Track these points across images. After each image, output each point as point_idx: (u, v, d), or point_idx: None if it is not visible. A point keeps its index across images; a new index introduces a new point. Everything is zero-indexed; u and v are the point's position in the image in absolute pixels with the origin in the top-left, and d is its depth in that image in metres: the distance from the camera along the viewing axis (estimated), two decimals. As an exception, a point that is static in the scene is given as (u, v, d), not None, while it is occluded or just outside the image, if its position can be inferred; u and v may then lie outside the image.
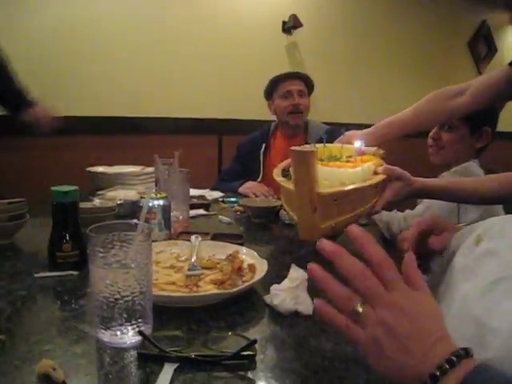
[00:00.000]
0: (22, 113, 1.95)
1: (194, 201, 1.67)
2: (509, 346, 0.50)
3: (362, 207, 1.06)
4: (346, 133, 1.40)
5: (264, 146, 2.38)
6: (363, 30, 3.76)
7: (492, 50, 4.83)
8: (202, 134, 3.06)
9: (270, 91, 2.39)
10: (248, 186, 2.09)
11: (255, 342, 0.62)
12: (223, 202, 1.83)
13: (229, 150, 2.75)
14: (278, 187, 1.84)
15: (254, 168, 2.33)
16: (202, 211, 1.61)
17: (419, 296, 0.52)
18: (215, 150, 3.20)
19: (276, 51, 3.33)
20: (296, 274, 0.79)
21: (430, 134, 1.69)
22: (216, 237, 1.18)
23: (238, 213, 1.63)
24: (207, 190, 2.02)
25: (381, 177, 1.08)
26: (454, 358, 0.46)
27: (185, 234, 1.21)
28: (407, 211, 1.50)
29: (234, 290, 0.79)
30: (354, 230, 0.53)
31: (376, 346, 0.49)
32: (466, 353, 0.46)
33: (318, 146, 1.23)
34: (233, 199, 1.82)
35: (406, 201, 1.13)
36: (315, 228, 0.95)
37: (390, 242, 1.33)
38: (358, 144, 1.19)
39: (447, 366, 0.45)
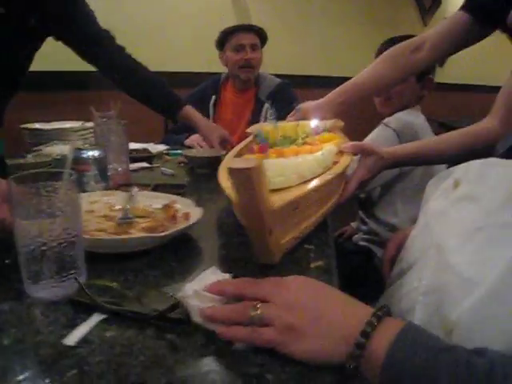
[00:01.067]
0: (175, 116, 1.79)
1: (135, 154, 1.62)
2: (493, 295, 0.49)
3: (330, 201, 0.93)
4: (300, 106, 1.32)
5: (214, 98, 2.32)
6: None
7: (436, 2, 4.87)
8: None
9: (222, 42, 2.30)
10: (194, 139, 2.04)
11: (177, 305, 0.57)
12: (167, 154, 1.79)
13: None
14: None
15: None
16: (144, 164, 1.57)
17: (312, 282, 0.55)
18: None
19: (221, 2, 3.21)
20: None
21: None
22: (157, 188, 1.16)
23: (182, 164, 1.61)
24: (151, 143, 1.96)
25: (347, 159, 0.97)
26: (380, 313, 0.47)
27: (125, 186, 1.18)
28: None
29: (165, 233, 0.77)
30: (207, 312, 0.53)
31: (293, 332, 0.48)
32: (388, 310, 0.48)
33: (267, 128, 1.12)
34: (178, 151, 1.79)
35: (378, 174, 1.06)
36: (275, 250, 0.73)
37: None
38: (314, 123, 1.08)
39: (375, 322, 0.46)
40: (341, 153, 1.01)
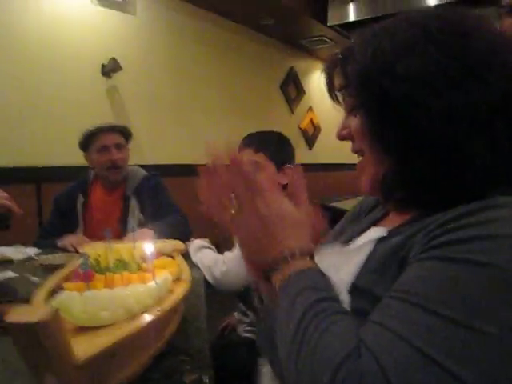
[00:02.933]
0: None
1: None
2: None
3: (160, 341, 0.82)
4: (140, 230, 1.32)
5: (82, 199, 2.22)
6: (185, 74, 3.89)
7: (300, 92, 5.44)
8: (17, 183, 2.77)
9: (86, 144, 2.21)
10: (67, 240, 1.93)
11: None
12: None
13: (50, 201, 2.54)
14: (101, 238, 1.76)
15: (74, 222, 2.16)
16: (10, 273, 1.44)
17: (285, 205, 0.65)
18: (34, 200, 2.93)
19: (96, 94, 3.23)
20: None
21: None
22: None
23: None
24: (19, 247, 1.82)
25: (183, 288, 0.91)
26: (288, 256, 0.61)
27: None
28: (226, 253, 1.55)
29: None
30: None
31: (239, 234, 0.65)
32: (300, 254, 0.61)
33: (99, 249, 1.04)
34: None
35: None
36: None
37: (212, 287, 1.35)
38: (149, 249, 0.91)
39: (285, 259, 0.61)
40: (178, 280, 0.95)
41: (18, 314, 0.49)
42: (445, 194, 0.61)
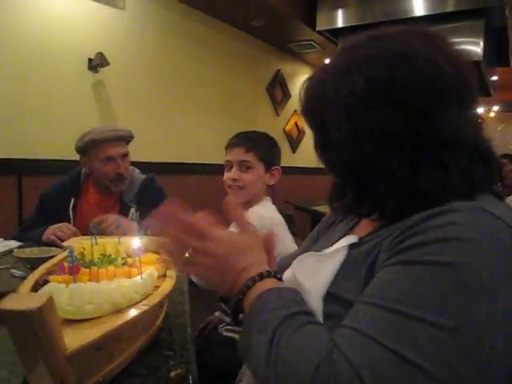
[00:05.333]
0: None
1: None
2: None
3: (144, 336, 0.82)
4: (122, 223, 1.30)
5: (73, 200, 2.05)
6: (172, 72, 3.88)
7: (286, 95, 5.46)
8: (-3, 175, 2.74)
9: (86, 149, 2.00)
10: (50, 232, 1.80)
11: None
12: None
13: (30, 193, 2.50)
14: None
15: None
16: (-11, 266, 1.43)
17: (232, 237, 0.70)
18: (14, 192, 2.88)
19: (82, 88, 3.20)
20: None
21: (230, 175, 1.66)
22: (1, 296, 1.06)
23: (28, 266, 1.37)
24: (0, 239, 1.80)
25: (169, 284, 0.89)
26: (250, 283, 0.65)
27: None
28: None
29: None
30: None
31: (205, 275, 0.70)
32: (260, 278, 0.65)
33: (84, 243, 1.04)
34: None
35: None
36: None
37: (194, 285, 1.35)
38: (136, 244, 0.93)
39: (248, 286, 0.65)
40: (163, 276, 0.95)
41: (12, 302, 0.50)
42: (400, 203, 0.66)
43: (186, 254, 0.69)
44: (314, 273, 0.70)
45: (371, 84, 0.64)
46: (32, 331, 0.49)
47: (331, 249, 0.74)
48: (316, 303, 0.64)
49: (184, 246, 0.69)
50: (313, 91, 0.73)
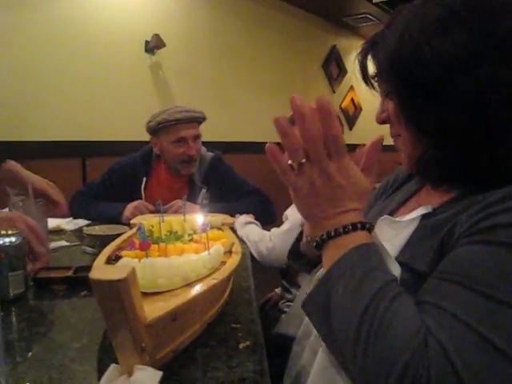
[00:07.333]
0: None
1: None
2: None
3: (213, 309, 0.84)
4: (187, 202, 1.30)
5: (145, 180, 2.07)
6: (228, 51, 3.89)
7: (342, 71, 5.33)
8: (63, 157, 2.87)
9: (157, 129, 2.02)
10: (132, 209, 1.83)
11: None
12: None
13: (94, 174, 2.61)
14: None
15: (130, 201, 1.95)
16: (63, 243, 1.51)
17: (353, 175, 0.62)
18: (79, 174, 3.02)
19: (139, 71, 3.27)
20: None
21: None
22: (78, 270, 1.12)
23: (98, 242, 1.45)
24: (70, 218, 1.89)
25: (235, 260, 0.91)
26: (350, 227, 0.60)
27: (44, 271, 1.13)
28: (273, 230, 1.57)
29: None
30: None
31: (299, 195, 0.63)
32: (362, 226, 0.60)
33: (152, 221, 1.05)
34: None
35: None
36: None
37: (257, 261, 1.37)
38: (200, 219, 0.95)
39: (343, 230, 0.60)
40: (229, 253, 0.96)
41: (100, 273, 0.53)
42: (482, 174, 0.62)
43: (289, 162, 0.62)
44: (390, 239, 0.68)
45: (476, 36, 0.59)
46: (119, 299, 0.52)
47: (407, 217, 0.71)
48: (395, 269, 0.60)
49: (299, 154, 0.60)
50: (399, 52, 0.65)
